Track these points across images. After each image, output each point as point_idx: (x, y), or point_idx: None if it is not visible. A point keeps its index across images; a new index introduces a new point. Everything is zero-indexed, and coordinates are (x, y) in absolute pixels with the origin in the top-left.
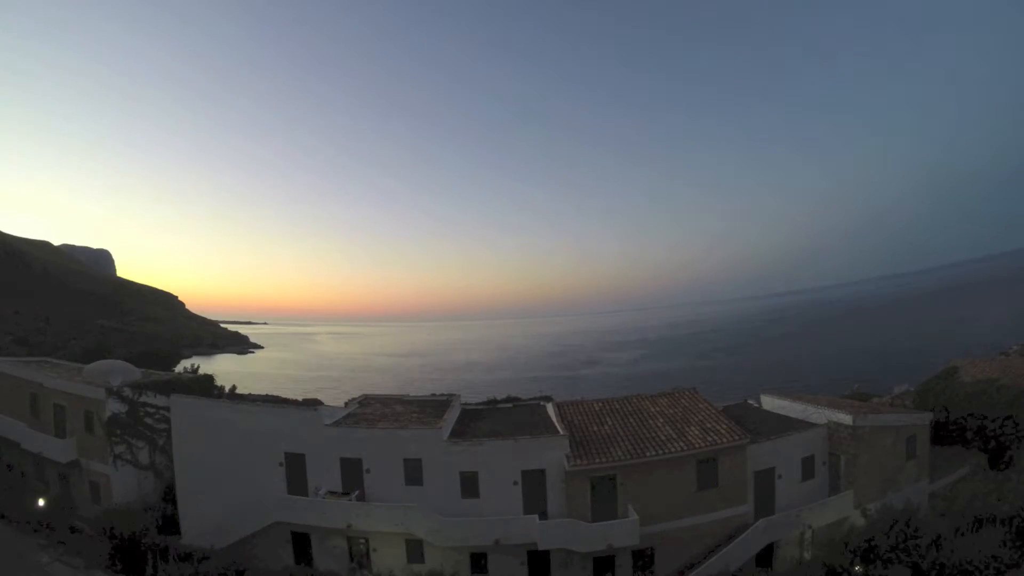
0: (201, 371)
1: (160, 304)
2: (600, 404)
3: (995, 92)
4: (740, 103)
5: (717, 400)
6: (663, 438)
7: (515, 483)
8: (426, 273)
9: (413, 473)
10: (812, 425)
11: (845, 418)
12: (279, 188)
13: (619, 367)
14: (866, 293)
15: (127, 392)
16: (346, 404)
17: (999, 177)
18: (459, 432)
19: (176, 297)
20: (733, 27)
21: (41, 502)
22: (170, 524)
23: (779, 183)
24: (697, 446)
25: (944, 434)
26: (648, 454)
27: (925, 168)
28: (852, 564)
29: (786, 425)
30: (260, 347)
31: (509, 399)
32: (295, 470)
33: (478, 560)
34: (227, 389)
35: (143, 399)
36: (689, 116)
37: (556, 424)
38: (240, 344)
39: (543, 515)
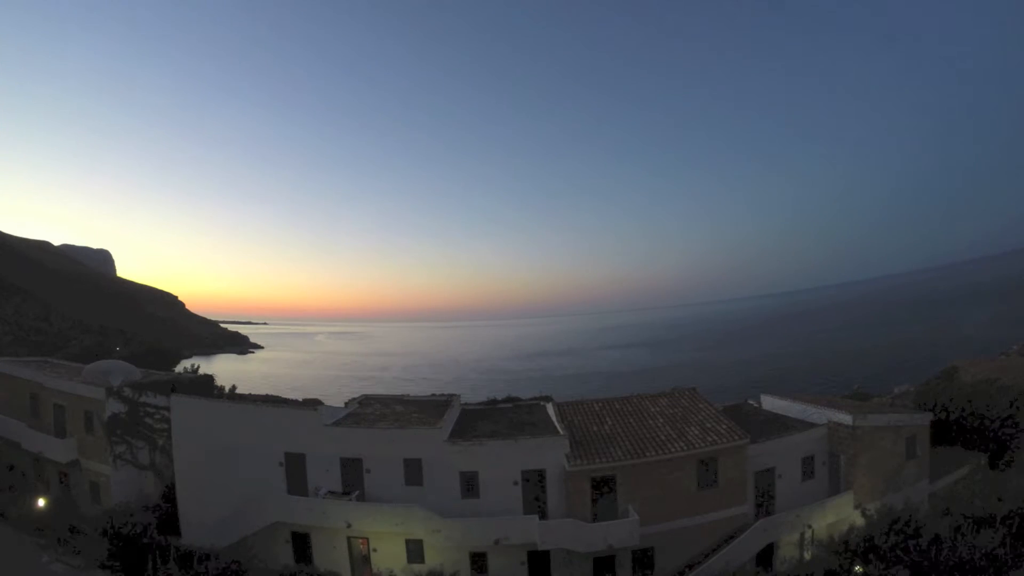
0: (201, 371)
1: (160, 304)
2: (600, 404)
3: (983, 93)
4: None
5: (717, 400)
6: (663, 438)
7: (515, 483)
8: (425, 276)
9: (413, 473)
10: (812, 425)
11: (845, 418)
12: (279, 189)
13: (618, 367)
14: (866, 293)
15: (127, 392)
16: (346, 404)
17: (1000, 177)
18: (459, 432)
19: (176, 297)
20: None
21: (41, 502)
22: (170, 524)
23: (780, 182)
24: (697, 446)
25: (944, 434)
26: (648, 454)
27: (924, 167)
28: (852, 564)
29: (786, 425)
30: (260, 347)
31: (509, 399)
32: (295, 470)
33: (478, 560)
34: (227, 389)
35: (143, 399)
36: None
37: (556, 424)
38: (240, 344)
39: (543, 515)
